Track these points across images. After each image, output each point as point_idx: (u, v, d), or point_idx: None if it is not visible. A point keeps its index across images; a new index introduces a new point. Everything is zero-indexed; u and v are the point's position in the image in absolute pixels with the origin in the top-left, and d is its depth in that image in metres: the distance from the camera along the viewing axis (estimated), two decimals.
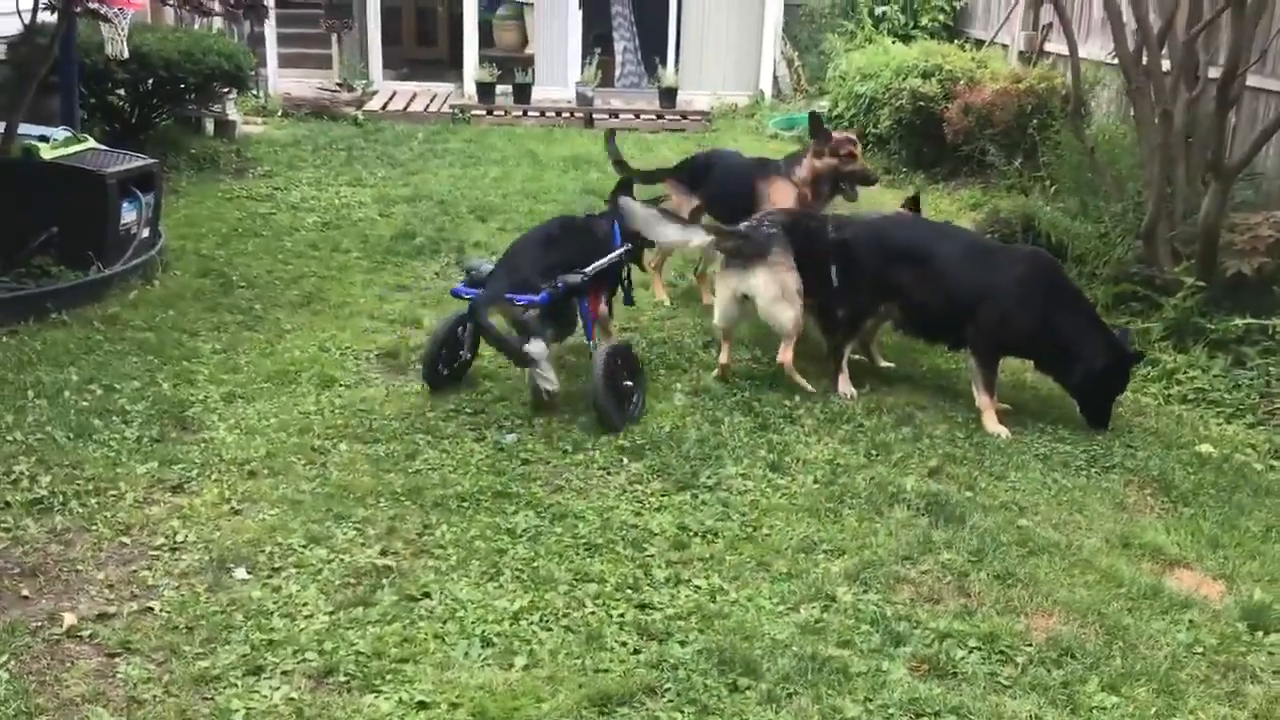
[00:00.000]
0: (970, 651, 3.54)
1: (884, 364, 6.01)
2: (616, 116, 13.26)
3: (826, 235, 5.66)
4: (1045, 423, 5.37)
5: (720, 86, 14.20)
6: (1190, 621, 3.77)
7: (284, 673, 3.29)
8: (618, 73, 14.74)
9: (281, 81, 13.29)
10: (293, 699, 3.18)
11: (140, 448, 4.60)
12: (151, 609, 3.55)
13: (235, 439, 4.73)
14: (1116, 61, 7.14)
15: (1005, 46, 11.77)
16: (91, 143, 6.97)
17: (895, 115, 10.52)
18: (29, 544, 3.87)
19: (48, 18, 6.92)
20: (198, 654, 3.34)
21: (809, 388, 5.49)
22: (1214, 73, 6.58)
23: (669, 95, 13.50)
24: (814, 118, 6.63)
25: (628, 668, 3.38)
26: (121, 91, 9.20)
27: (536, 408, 5.17)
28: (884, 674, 3.39)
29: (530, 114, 13.14)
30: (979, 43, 12.27)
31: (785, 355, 5.44)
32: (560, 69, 14.02)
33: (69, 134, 6.92)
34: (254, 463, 4.54)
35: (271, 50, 13.16)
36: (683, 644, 3.49)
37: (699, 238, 5.59)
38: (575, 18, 14.11)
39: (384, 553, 3.94)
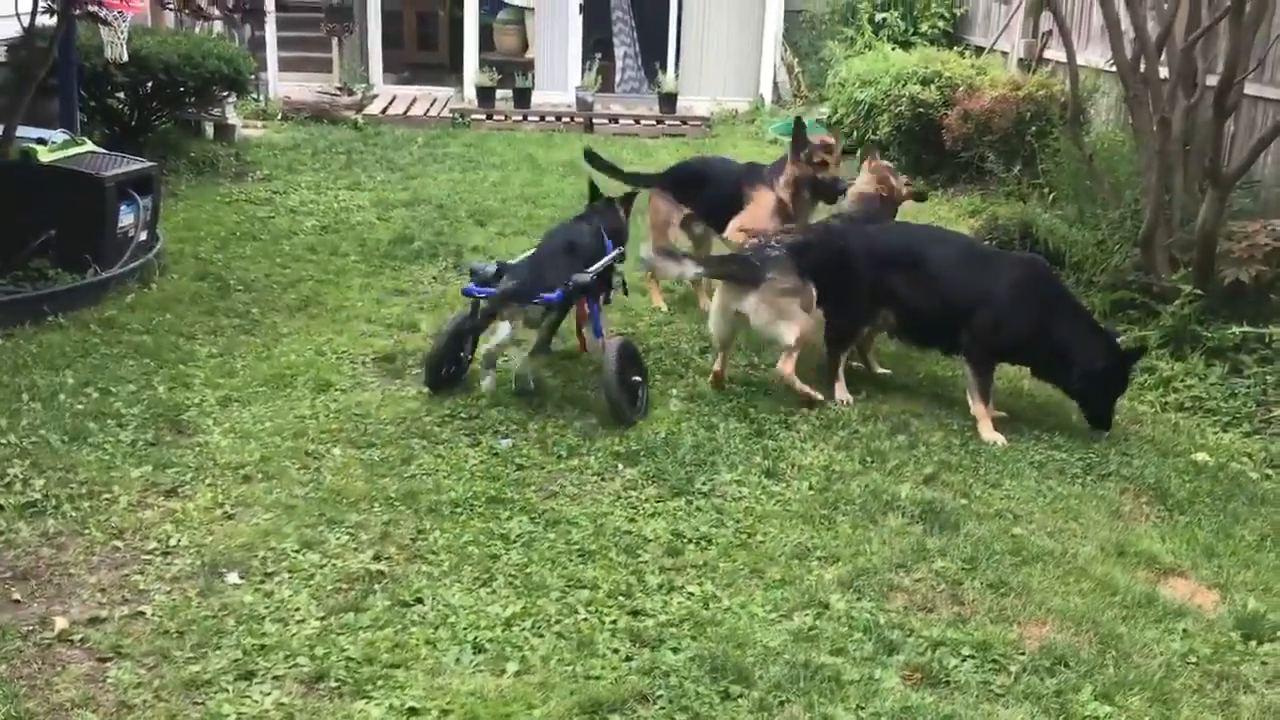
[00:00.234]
0: (963, 660, 3.53)
1: (881, 371, 6.01)
2: (616, 122, 13.27)
3: (855, 249, 5.62)
4: (1041, 430, 5.37)
5: (720, 92, 14.21)
6: (1184, 631, 3.77)
7: (275, 678, 3.28)
8: (618, 78, 14.74)
9: (282, 85, 13.31)
10: (283, 704, 3.18)
11: (135, 451, 4.59)
12: (143, 613, 3.55)
13: (230, 443, 4.73)
14: (1115, 69, 7.15)
15: (1005, 54, 11.77)
16: (90, 145, 6.97)
17: (894, 122, 10.52)
18: (21, 547, 3.87)
19: (47, 20, 6.93)
20: (189, 659, 3.34)
21: (816, 395, 5.43)
22: (1212, 80, 6.58)
23: (669, 100, 13.51)
24: (797, 123, 6.58)
25: (619, 674, 3.37)
26: (121, 95, 9.22)
27: (520, 394, 5.29)
28: (876, 682, 3.39)
29: (530, 118, 13.16)
30: (979, 50, 12.28)
31: (786, 367, 5.40)
32: (560, 74, 14.05)
33: (67, 137, 6.93)
34: (248, 467, 4.53)
35: (272, 54, 13.18)
36: (675, 651, 3.49)
37: (692, 270, 5.74)
38: (575, 23, 14.14)
39: (377, 558, 3.94)
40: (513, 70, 13.58)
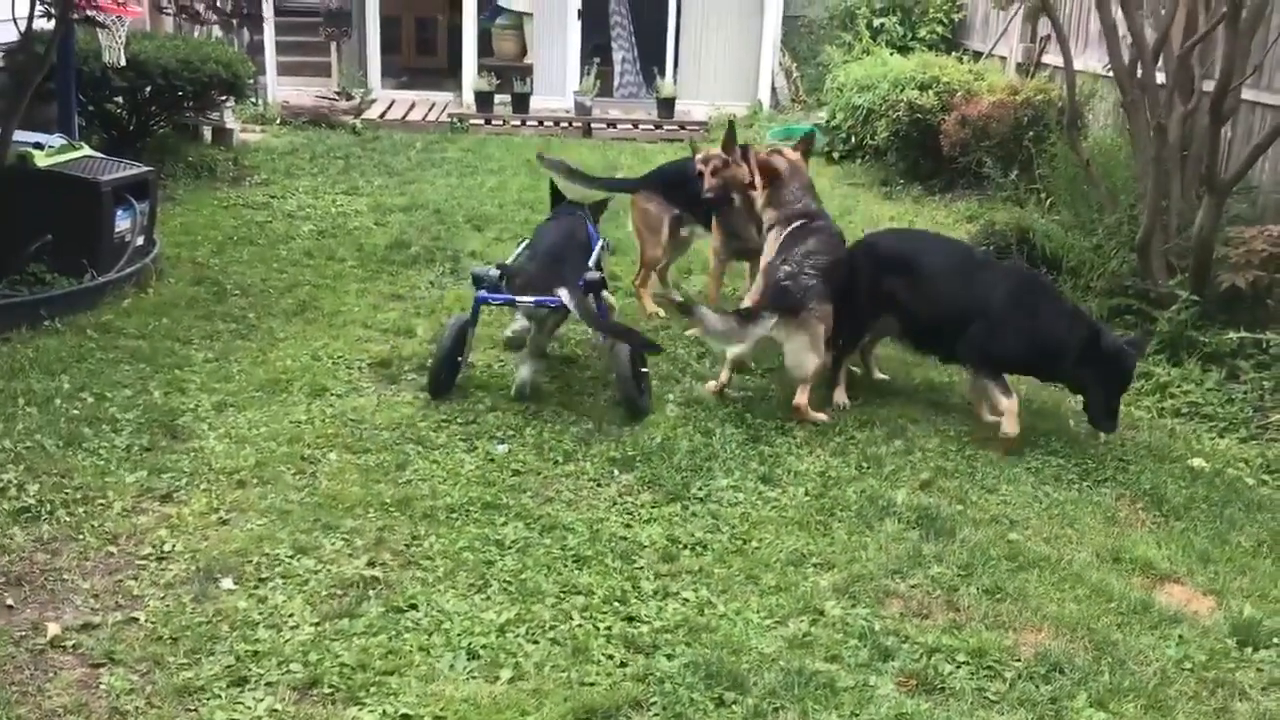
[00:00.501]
0: (958, 666, 3.53)
1: (879, 376, 6.00)
2: (615, 126, 13.28)
3: (866, 266, 5.63)
4: (1037, 436, 5.36)
5: (718, 97, 14.21)
6: (1180, 637, 3.76)
7: (268, 684, 3.27)
8: (616, 83, 14.76)
9: (280, 89, 13.30)
10: (276, 711, 3.17)
11: (130, 456, 4.58)
12: (136, 619, 3.54)
13: (225, 448, 4.72)
14: (1112, 74, 7.16)
15: (1003, 59, 11.79)
16: (87, 150, 6.96)
17: (892, 127, 10.52)
18: (15, 553, 3.86)
19: (45, 24, 6.93)
20: (182, 665, 3.33)
21: (825, 419, 5.34)
22: (1209, 86, 6.59)
23: (667, 105, 13.51)
24: (729, 127, 6.51)
25: (614, 681, 3.37)
26: (119, 99, 9.20)
27: (518, 399, 5.31)
28: (871, 689, 3.38)
29: (528, 123, 13.16)
30: (977, 55, 12.30)
31: (801, 399, 5.30)
32: (559, 79, 14.05)
33: (65, 141, 6.92)
34: (243, 472, 4.52)
35: (271, 58, 13.18)
36: (669, 657, 3.48)
37: (753, 334, 5.29)
38: (574, 28, 14.15)
39: (371, 564, 3.93)
40: (511, 75, 13.59)
